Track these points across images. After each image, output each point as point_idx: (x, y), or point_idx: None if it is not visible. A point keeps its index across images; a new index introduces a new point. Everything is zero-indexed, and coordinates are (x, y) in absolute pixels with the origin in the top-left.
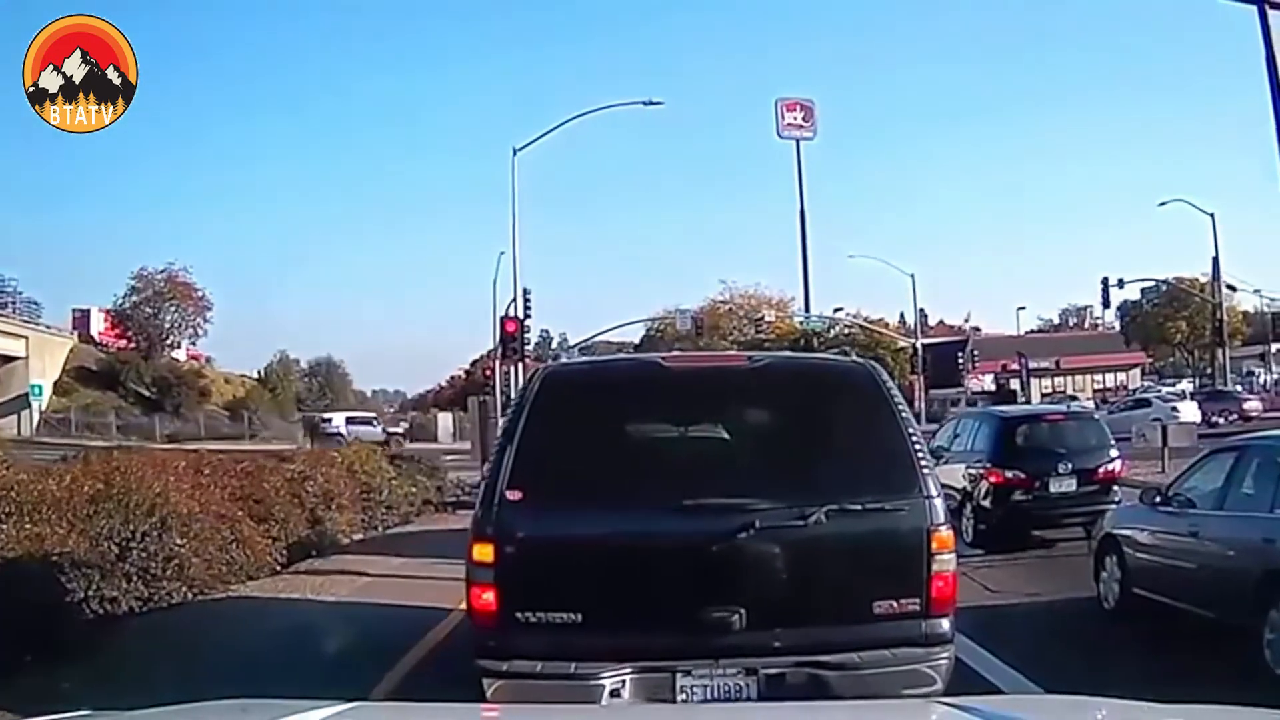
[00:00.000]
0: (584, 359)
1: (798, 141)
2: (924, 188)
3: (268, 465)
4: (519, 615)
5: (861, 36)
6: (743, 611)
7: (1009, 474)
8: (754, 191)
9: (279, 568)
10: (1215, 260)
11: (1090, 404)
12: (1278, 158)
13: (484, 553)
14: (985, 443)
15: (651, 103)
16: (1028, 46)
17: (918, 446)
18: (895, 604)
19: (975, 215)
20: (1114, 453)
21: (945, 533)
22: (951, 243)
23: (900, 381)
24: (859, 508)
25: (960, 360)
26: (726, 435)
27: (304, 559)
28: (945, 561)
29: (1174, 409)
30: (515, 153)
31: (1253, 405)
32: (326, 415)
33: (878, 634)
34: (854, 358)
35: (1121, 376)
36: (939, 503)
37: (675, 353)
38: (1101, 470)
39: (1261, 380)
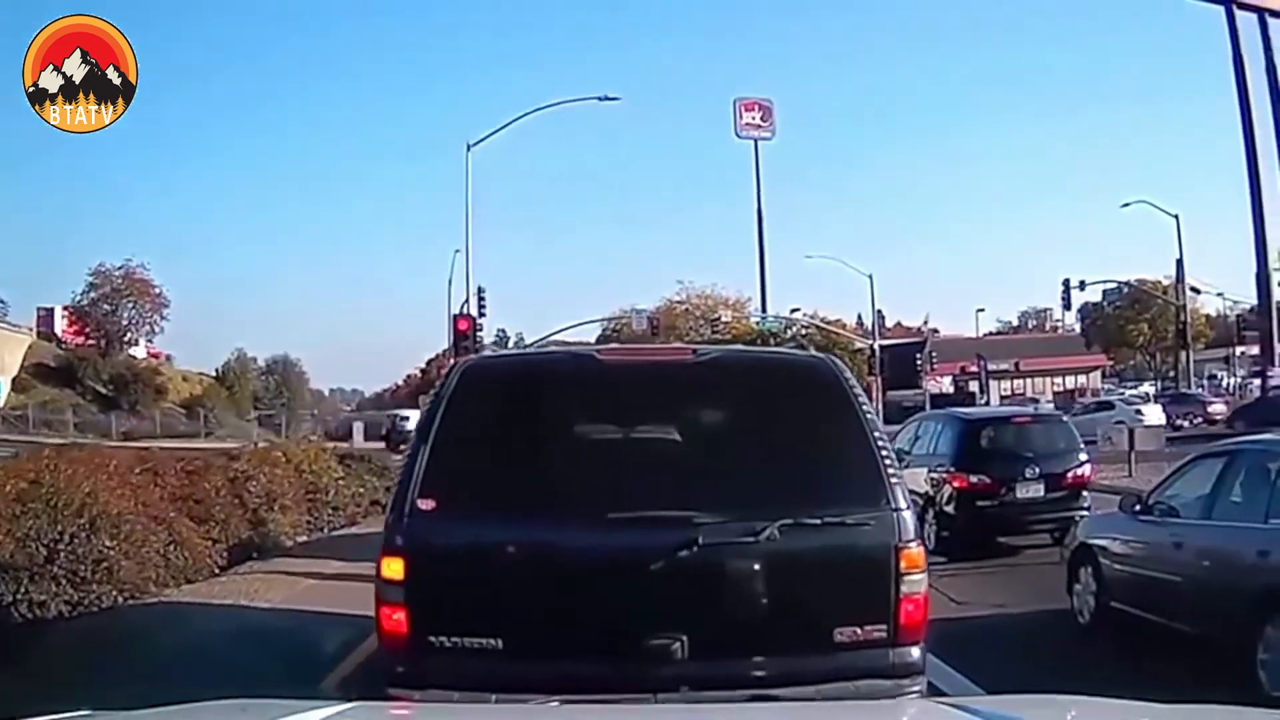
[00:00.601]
0: (510, 351)
1: (756, 142)
2: (882, 189)
3: (214, 464)
4: (433, 639)
5: (822, 35)
6: (684, 639)
7: (973, 478)
8: (712, 191)
9: (218, 570)
10: (1179, 262)
11: (1050, 406)
12: (1244, 155)
13: (393, 568)
14: (948, 446)
15: (607, 98)
16: (989, 47)
17: (884, 452)
18: (859, 631)
19: (934, 218)
20: (1083, 456)
21: (915, 550)
22: (910, 245)
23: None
24: (817, 522)
25: (918, 361)
26: (668, 438)
27: (245, 561)
28: (916, 583)
29: (1138, 412)
30: (469, 148)
31: (1218, 408)
32: (404, 414)
33: (839, 665)
34: (812, 352)
35: (1082, 379)
36: (908, 516)
37: (613, 345)
38: (1071, 475)
39: (1226, 383)
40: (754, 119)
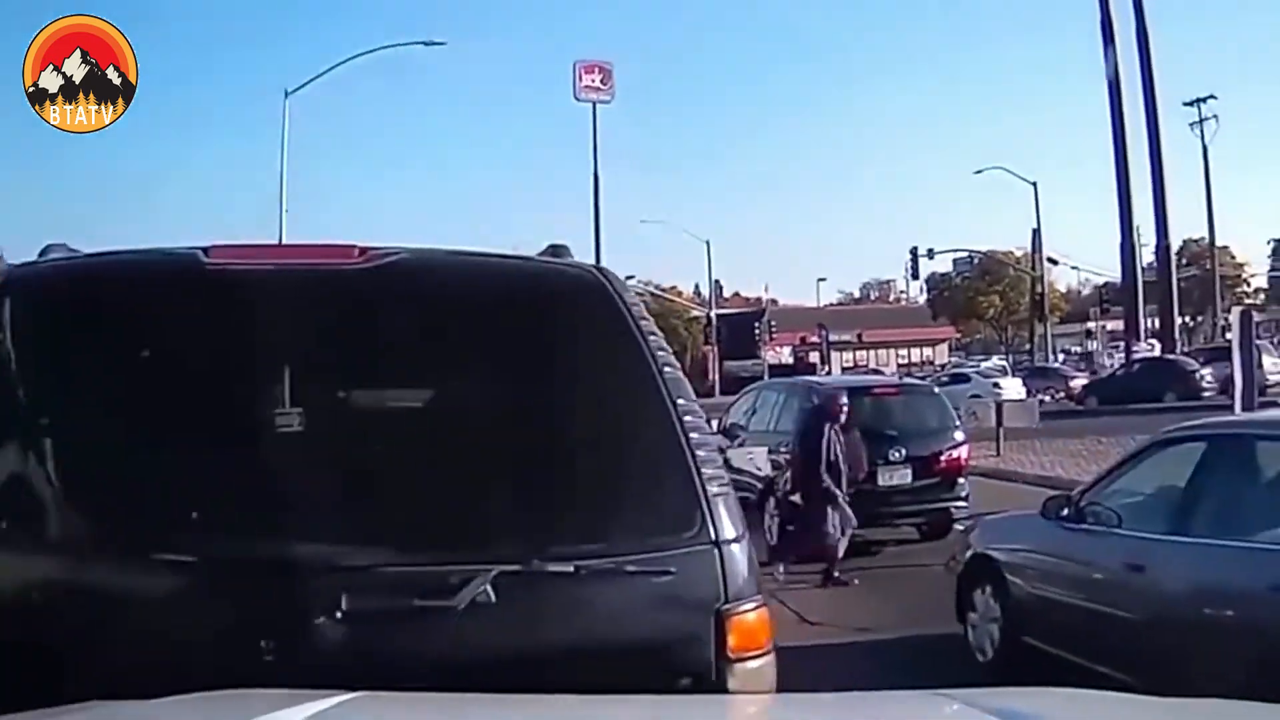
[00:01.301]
0: (74, 254)
1: (594, 105)
2: (723, 158)
3: None
4: None
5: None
6: None
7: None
8: (549, 154)
9: None
10: (1036, 231)
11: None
12: (1110, 125)
13: None
14: (793, 421)
15: (431, 43)
16: (831, 12)
17: (695, 437)
18: None
19: (774, 188)
20: (959, 436)
21: (754, 616)
22: (750, 214)
23: (694, 353)
24: (569, 569)
25: (757, 331)
26: (303, 404)
27: None
28: (754, 675)
29: (996, 385)
30: (288, 95)
31: (1080, 383)
32: None
33: None
34: (575, 260)
35: (928, 351)
36: (741, 551)
37: (230, 244)
38: (945, 458)
39: (1093, 357)
40: (594, 81)
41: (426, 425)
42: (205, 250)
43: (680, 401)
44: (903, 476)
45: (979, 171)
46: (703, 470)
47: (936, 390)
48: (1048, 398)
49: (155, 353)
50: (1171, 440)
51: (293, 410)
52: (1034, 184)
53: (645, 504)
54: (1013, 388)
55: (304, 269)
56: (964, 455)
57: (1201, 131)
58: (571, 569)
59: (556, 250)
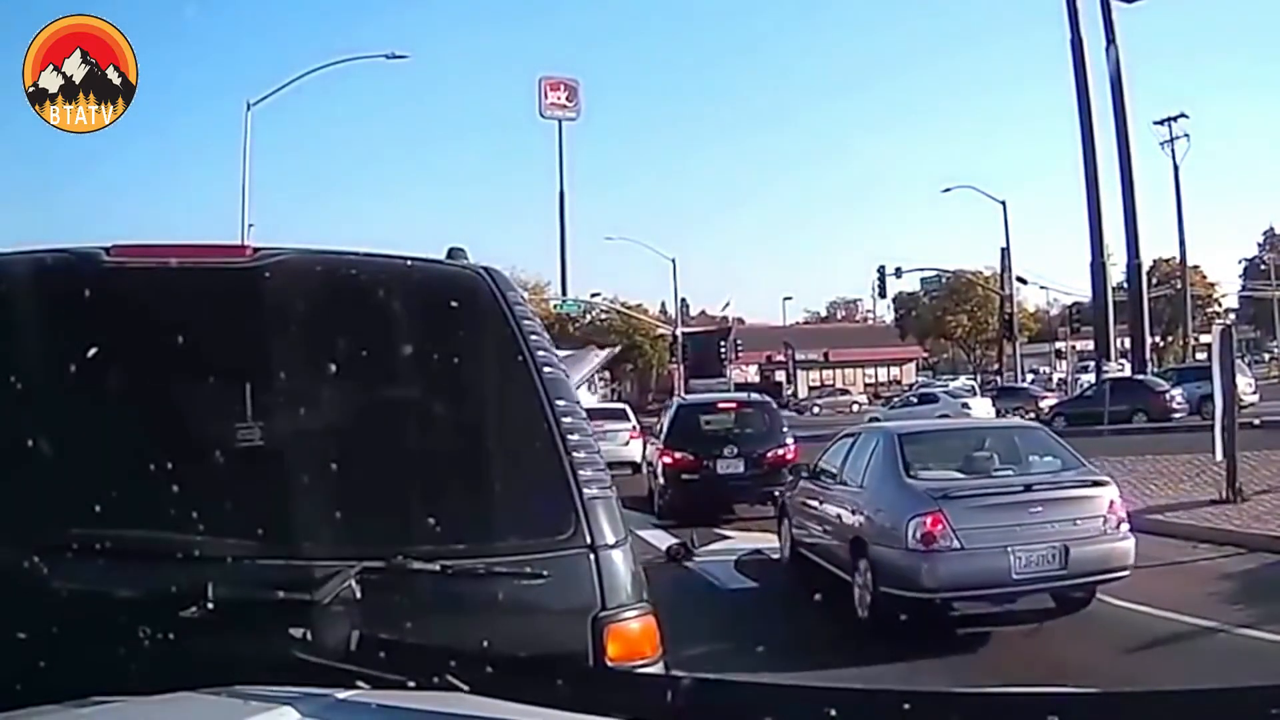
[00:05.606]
0: None
1: (560, 122)
2: (691, 177)
3: None
4: None
5: (633, 13)
6: None
7: (677, 455)
8: (515, 169)
9: None
10: (1005, 250)
11: (861, 398)
12: (1079, 142)
13: None
14: (665, 426)
15: (395, 56)
16: (796, 34)
17: (572, 438)
18: None
19: (741, 205)
20: (789, 440)
21: (639, 625)
22: (716, 233)
23: (660, 371)
24: (434, 568)
25: (722, 349)
26: (181, 399)
27: None
28: None
29: (965, 405)
30: (250, 107)
31: (1049, 403)
32: None
33: None
34: (466, 261)
35: (895, 371)
36: (621, 557)
37: (133, 243)
38: (770, 455)
39: (1058, 377)
40: (559, 99)
41: (302, 421)
42: (107, 249)
43: (560, 403)
44: (736, 467)
45: (947, 190)
46: (579, 473)
47: (774, 405)
48: (1018, 417)
49: (50, 345)
50: (844, 434)
51: (170, 402)
52: (1003, 203)
53: (517, 506)
54: (981, 408)
55: (195, 266)
56: (788, 453)
57: (1172, 150)
58: (437, 568)
59: (454, 253)
